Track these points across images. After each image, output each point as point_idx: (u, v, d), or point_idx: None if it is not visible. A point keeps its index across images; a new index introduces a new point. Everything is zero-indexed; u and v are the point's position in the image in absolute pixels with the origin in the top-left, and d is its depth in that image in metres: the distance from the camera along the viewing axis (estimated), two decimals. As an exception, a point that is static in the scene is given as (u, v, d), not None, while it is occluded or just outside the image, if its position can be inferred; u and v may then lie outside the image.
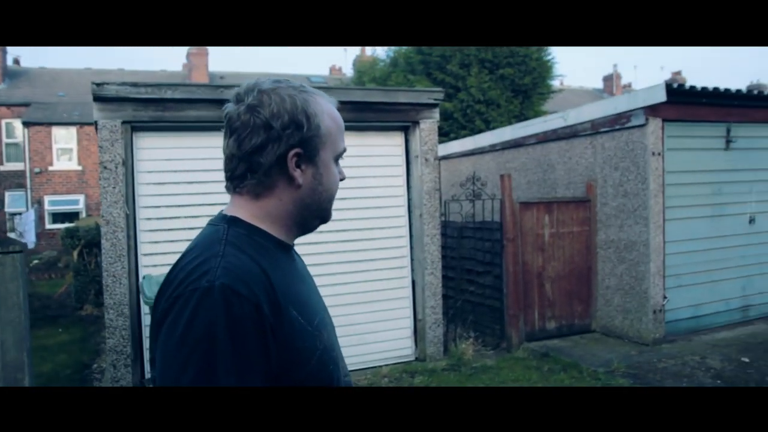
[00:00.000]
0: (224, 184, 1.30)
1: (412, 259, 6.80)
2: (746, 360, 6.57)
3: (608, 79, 35.28)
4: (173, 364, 1.07)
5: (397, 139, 6.75)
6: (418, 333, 6.82)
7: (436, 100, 6.70)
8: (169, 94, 5.73)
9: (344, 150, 1.36)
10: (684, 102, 7.10)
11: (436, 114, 6.77)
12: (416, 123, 6.66)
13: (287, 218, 1.29)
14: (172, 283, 1.14)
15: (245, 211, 1.26)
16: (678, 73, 34.00)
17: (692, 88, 6.98)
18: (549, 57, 16.20)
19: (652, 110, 6.90)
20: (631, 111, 7.08)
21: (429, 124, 6.71)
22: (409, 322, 6.83)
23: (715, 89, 7.13)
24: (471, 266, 8.13)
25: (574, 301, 7.72)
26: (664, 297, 7.08)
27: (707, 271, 7.60)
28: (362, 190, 6.48)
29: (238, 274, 1.11)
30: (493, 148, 9.64)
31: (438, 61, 15.29)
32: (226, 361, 1.05)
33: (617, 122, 7.27)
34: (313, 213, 1.32)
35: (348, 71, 28.39)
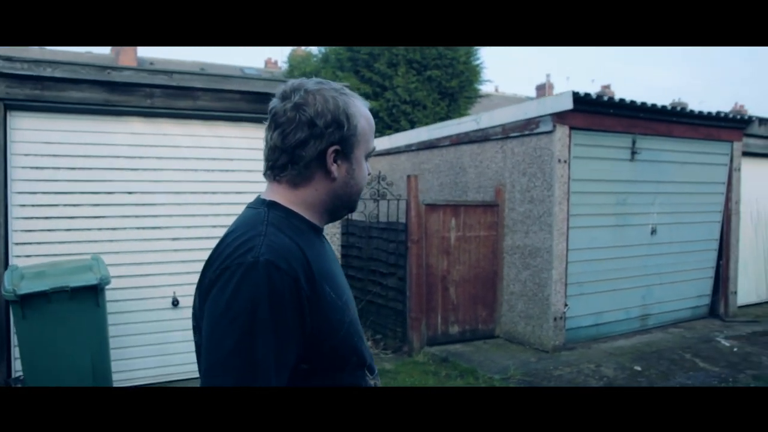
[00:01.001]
0: (262, 171, 1.43)
1: (311, 259, 6.56)
2: (638, 368, 6.64)
3: (541, 88, 35.91)
4: (218, 329, 1.19)
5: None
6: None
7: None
8: (48, 71, 5.31)
9: (374, 149, 1.51)
10: (591, 111, 7.14)
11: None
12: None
13: (320, 206, 1.43)
14: (220, 257, 1.26)
15: (283, 197, 1.39)
16: (607, 86, 34.90)
17: (599, 97, 7.02)
18: (477, 61, 16.27)
19: (559, 117, 6.90)
20: (539, 117, 7.06)
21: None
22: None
23: (621, 100, 7.20)
24: (376, 267, 7.96)
25: (479, 306, 7.66)
26: (566, 304, 7.10)
27: (609, 280, 7.67)
28: (237, 185, 6.12)
29: (279, 251, 1.23)
30: (408, 149, 9.52)
31: (366, 59, 15.12)
32: (266, 327, 1.18)
33: (526, 128, 7.25)
34: (344, 203, 1.46)
35: (284, 65, 27.93)
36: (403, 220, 7.38)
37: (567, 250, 7.10)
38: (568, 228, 7.09)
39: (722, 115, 8.46)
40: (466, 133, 8.22)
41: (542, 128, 7.03)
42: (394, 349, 7.29)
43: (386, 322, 7.77)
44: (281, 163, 1.37)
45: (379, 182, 7.22)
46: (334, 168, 1.39)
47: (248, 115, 6.09)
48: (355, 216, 7.76)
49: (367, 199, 7.35)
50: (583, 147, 7.19)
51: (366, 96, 14.94)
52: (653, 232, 8.07)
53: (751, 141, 9.68)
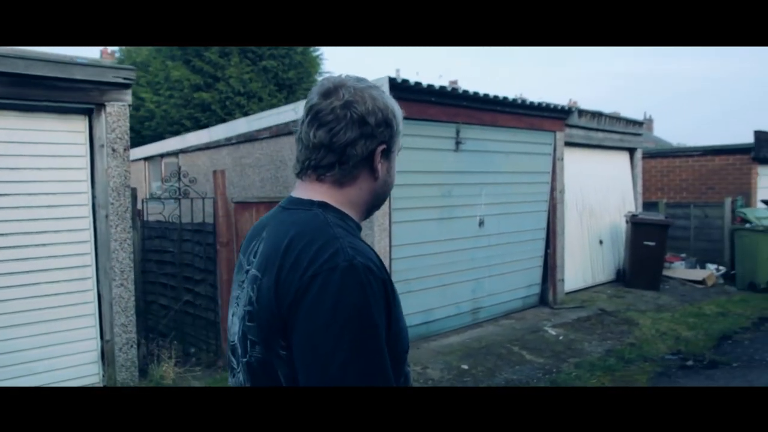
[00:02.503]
0: (296, 170, 1.39)
1: (97, 269, 5.67)
2: (465, 367, 6.36)
3: (391, 82, 36.08)
4: (327, 338, 1.12)
5: (77, 125, 5.56)
6: (105, 356, 5.71)
7: (126, 79, 5.61)
8: None
9: (401, 146, 1.48)
10: (413, 99, 6.76)
11: (127, 96, 5.68)
12: (102, 105, 5.54)
13: (363, 205, 1.40)
14: (301, 264, 1.18)
15: (331, 197, 1.35)
16: (455, 81, 35.77)
17: (418, 84, 6.65)
18: (317, 53, 15.74)
19: (377, 105, 6.45)
20: (357, 105, 6.58)
21: (118, 108, 5.62)
22: (95, 344, 5.68)
23: (442, 88, 6.89)
24: (190, 273, 7.15)
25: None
26: (390, 304, 6.68)
27: (437, 275, 7.37)
28: (28, 185, 5.24)
29: (363, 253, 1.22)
30: (228, 142, 8.75)
31: (197, 48, 14.10)
32: (374, 331, 1.15)
33: (345, 117, 6.75)
34: (380, 201, 1.45)
35: (119, 53, 25.95)
36: (205, 220, 6.63)
37: (390, 246, 6.68)
38: (390, 223, 6.68)
39: (544, 105, 8.45)
40: (285, 124, 7.60)
41: (360, 117, 6.56)
42: (207, 363, 6.54)
43: (200, 334, 6.98)
44: (328, 162, 1.33)
45: (180, 179, 6.40)
46: (379, 167, 1.37)
47: (8, 101, 5.10)
48: (155, 217, 6.90)
49: (167, 199, 6.50)
50: (406, 137, 6.79)
51: (197, 87, 13.96)
52: (481, 223, 7.89)
53: (575, 132, 9.87)
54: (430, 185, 7.16)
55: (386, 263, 6.47)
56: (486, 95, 7.45)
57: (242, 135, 8.42)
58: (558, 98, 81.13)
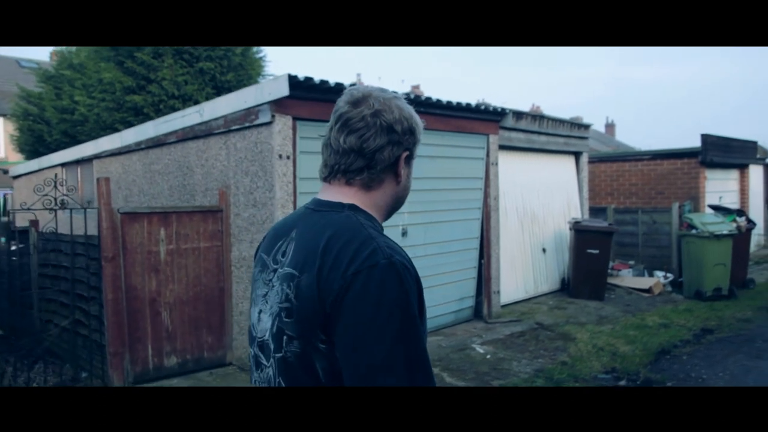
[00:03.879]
0: (323, 174, 1.47)
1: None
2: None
3: (350, 88, 35.47)
4: (369, 334, 1.21)
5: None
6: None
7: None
8: None
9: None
10: (320, 99, 6.21)
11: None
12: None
13: (386, 208, 1.48)
14: (342, 262, 1.26)
15: (359, 200, 1.43)
16: (417, 86, 35.31)
17: (323, 83, 6.10)
18: (259, 54, 15.13)
19: (278, 106, 5.89)
20: (258, 106, 6.01)
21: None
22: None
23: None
24: (82, 290, 6.51)
25: (203, 331, 6.47)
26: (296, 323, 6.11)
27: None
28: None
29: (398, 251, 1.30)
30: (139, 147, 8.11)
31: (129, 49, 13.40)
32: (415, 326, 1.23)
33: (246, 119, 6.18)
34: (399, 204, 1.53)
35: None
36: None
37: (296, 260, 6.11)
38: (296, 234, 6.11)
39: (474, 106, 7.96)
40: (192, 127, 7.00)
41: (261, 119, 5.99)
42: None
43: (92, 357, 6.34)
44: (357, 166, 1.41)
45: (55, 188, 5.76)
46: (403, 172, 1.46)
47: None
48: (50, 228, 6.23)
49: (40, 210, 5.82)
50: (314, 140, 6.26)
51: (129, 90, 13.29)
52: (404, 233, 7.36)
53: (514, 135, 9.42)
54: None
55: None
56: (407, 95, 6.91)
57: (151, 139, 7.79)
58: (525, 105, 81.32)
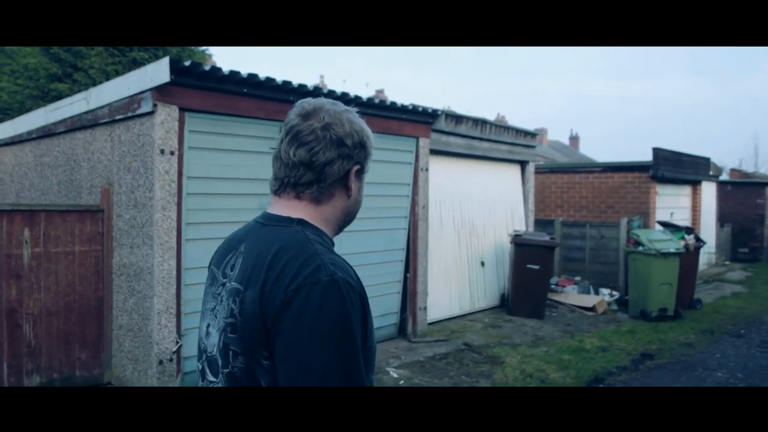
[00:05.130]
0: (273, 187, 1.45)
1: None
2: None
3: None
4: (308, 348, 1.19)
5: None
6: None
7: None
8: None
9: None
10: (218, 90, 5.51)
11: None
12: None
13: (335, 222, 1.46)
14: (285, 278, 1.24)
15: (307, 214, 1.41)
16: (381, 90, 34.69)
17: (216, 69, 5.39)
18: (202, 48, 14.37)
19: (161, 93, 5.17)
20: (141, 94, 5.29)
21: None
22: None
23: (252, 75, 5.64)
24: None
25: (75, 346, 5.70)
26: (177, 342, 5.39)
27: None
28: None
29: (343, 268, 1.27)
30: (30, 137, 7.30)
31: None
32: (353, 342, 1.21)
33: (129, 108, 5.45)
34: (350, 219, 1.50)
35: None
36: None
37: (179, 270, 5.38)
38: (180, 241, 5.38)
39: (401, 105, 7.31)
40: (79, 116, 6.24)
41: (143, 108, 5.26)
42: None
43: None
44: (307, 180, 1.38)
45: None
46: (353, 186, 1.43)
47: None
48: None
49: None
50: (206, 135, 5.55)
51: (54, 77, 12.44)
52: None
53: (453, 140, 8.82)
54: (243, 195, 5.88)
55: (170, 291, 5.23)
56: (317, 88, 6.27)
57: (42, 129, 7.00)
58: (491, 114, 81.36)
